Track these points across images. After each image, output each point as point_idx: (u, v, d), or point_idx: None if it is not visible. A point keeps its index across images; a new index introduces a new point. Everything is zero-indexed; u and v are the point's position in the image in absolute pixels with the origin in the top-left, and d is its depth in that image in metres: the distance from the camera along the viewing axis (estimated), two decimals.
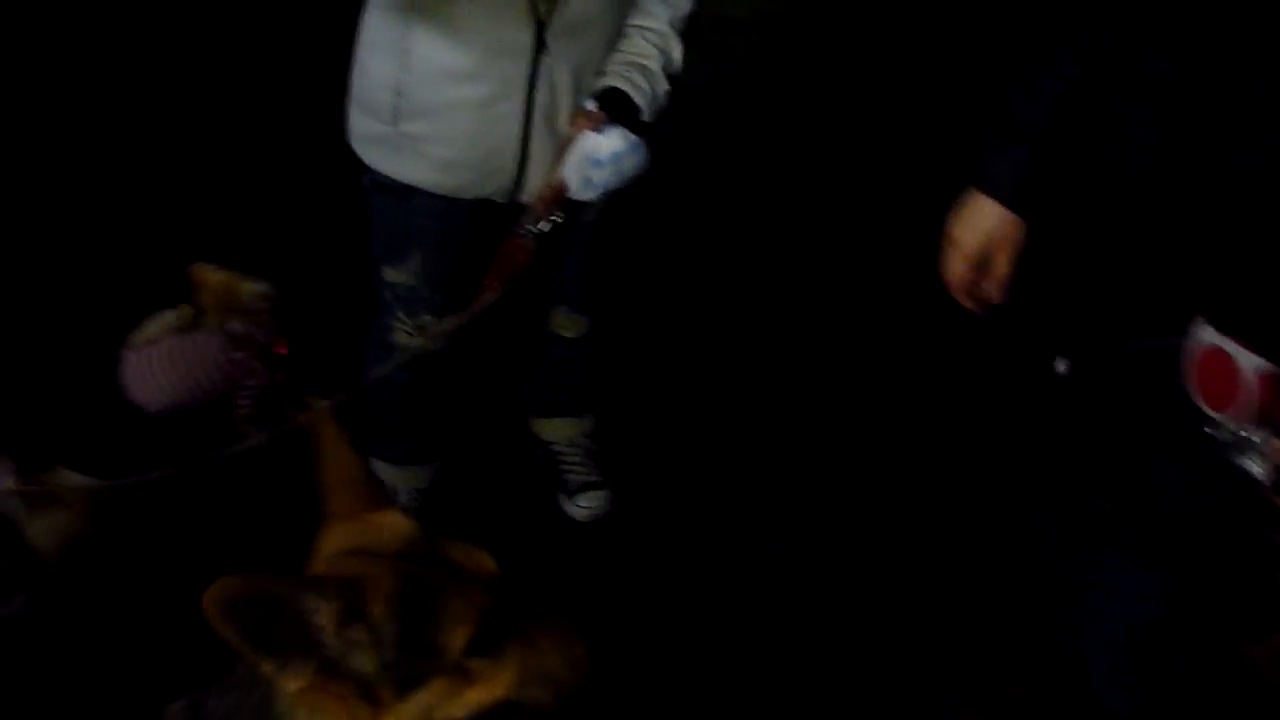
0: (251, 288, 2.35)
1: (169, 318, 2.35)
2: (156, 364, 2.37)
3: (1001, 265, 1.60)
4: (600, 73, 2.03)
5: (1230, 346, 1.34)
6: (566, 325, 2.45)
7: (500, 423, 2.75)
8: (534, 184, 2.04)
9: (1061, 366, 1.61)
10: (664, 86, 2.07)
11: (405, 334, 2.21)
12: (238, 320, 2.33)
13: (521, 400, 2.68)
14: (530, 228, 2.01)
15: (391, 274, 2.17)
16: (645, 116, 2.03)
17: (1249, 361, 1.32)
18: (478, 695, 1.12)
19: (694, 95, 4.31)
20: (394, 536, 1.16)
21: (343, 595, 1.09)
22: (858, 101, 4.16)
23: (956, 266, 1.62)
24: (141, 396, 2.41)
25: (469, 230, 2.13)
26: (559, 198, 2.01)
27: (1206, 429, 1.37)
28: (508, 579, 1.16)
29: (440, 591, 1.10)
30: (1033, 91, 1.54)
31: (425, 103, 1.95)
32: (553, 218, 2.01)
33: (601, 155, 1.96)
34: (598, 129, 1.97)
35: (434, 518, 2.45)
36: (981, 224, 1.57)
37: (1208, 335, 1.38)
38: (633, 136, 1.99)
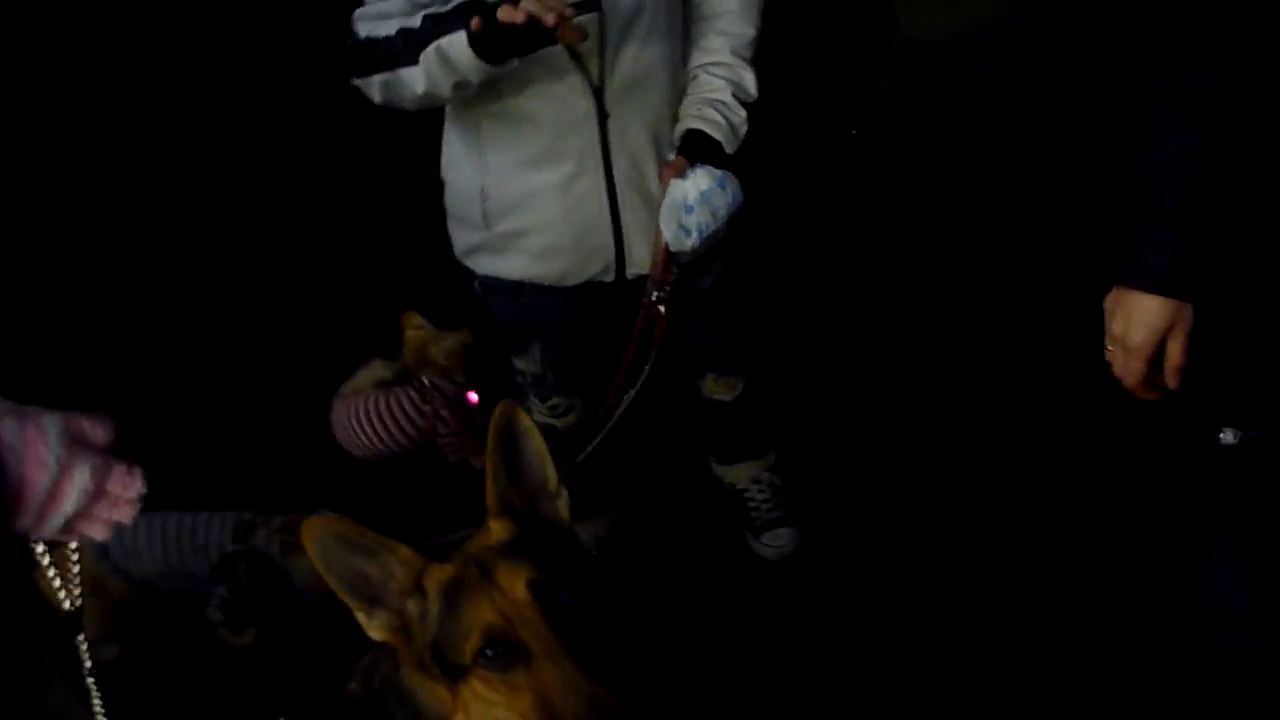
0: (446, 342, 2.45)
1: (376, 369, 2.49)
2: (360, 417, 2.52)
3: (1176, 354, 1.46)
4: (675, 120, 1.99)
5: None
6: (720, 389, 2.39)
7: (685, 464, 2.71)
8: (638, 256, 2.02)
9: (1230, 437, 1.49)
10: (741, 115, 2.00)
11: (541, 414, 2.24)
12: (433, 373, 2.45)
13: (702, 446, 2.64)
14: (656, 293, 2.00)
15: (519, 362, 2.22)
16: (728, 149, 1.98)
17: None
18: (500, 707, 1.18)
19: (888, 118, 4.32)
20: (486, 539, 1.24)
21: (414, 566, 1.20)
22: (1048, 123, 4.00)
23: (1132, 367, 1.49)
24: (347, 444, 2.57)
25: (581, 315, 2.13)
26: (668, 256, 1.98)
27: None
28: (541, 611, 1.17)
29: (469, 599, 1.18)
30: (1166, 169, 1.42)
31: (511, 198, 1.97)
32: (672, 278, 2.00)
33: (690, 199, 1.92)
34: (682, 175, 1.93)
35: (622, 560, 2.49)
36: (1148, 319, 1.45)
37: None
38: (718, 173, 1.94)
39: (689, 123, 1.99)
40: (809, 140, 4.09)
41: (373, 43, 1.83)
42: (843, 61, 4.64)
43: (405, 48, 1.77)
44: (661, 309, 2.01)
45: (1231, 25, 1.35)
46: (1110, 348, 1.52)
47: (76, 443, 0.97)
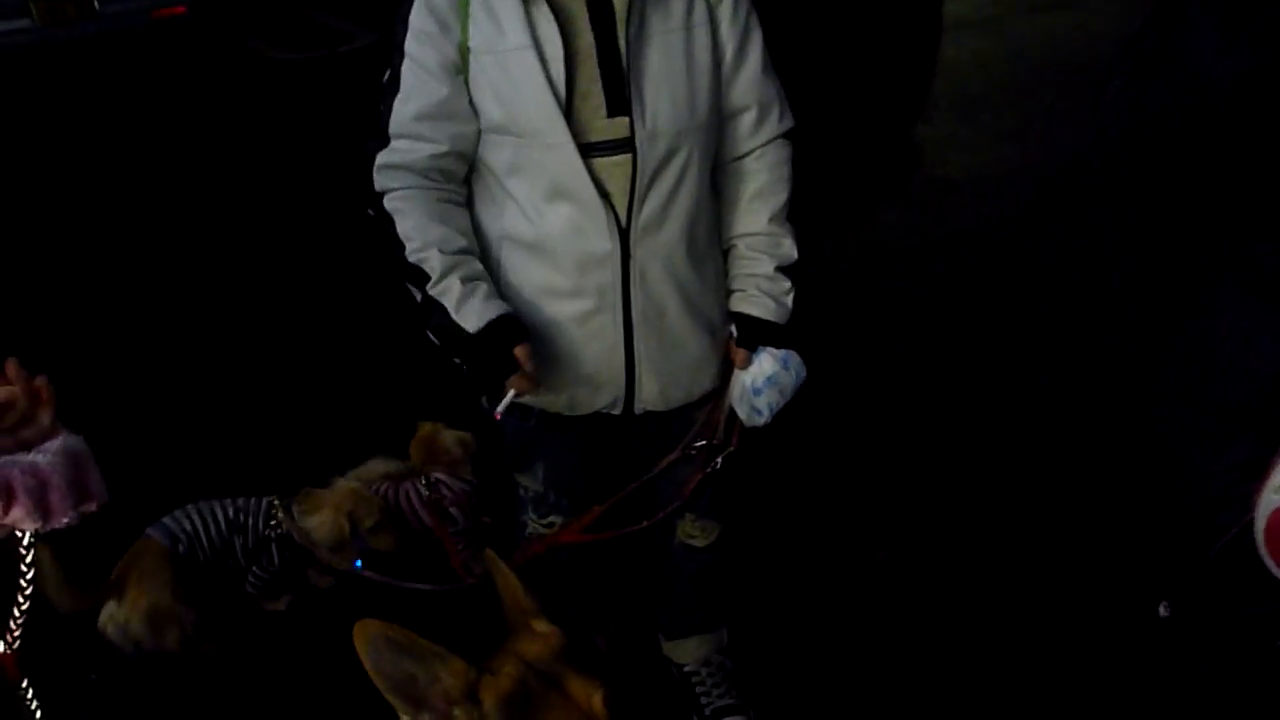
0: (453, 437, 2.45)
1: (377, 465, 2.47)
2: None
3: None
4: (697, 260, 1.97)
5: None
6: (695, 533, 2.31)
7: (633, 650, 2.58)
8: (648, 393, 2.01)
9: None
10: (785, 285, 2.01)
11: (538, 529, 2.25)
12: (442, 469, 2.43)
13: (653, 625, 2.55)
14: (720, 459, 2.08)
15: (521, 479, 2.23)
16: (781, 323, 2.01)
17: None
18: None
19: (909, 253, 4.38)
20: (541, 645, 1.24)
21: (466, 676, 1.18)
22: (1072, 261, 4.06)
23: None
24: None
25: (585, 444, 2.14)
26: (732, 428, 2.07)
27: None
28: None
29: (542, 714, 1.17)
30: None
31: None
32: (729, 448, 2.09)
33: (758, 383, 2.00)
34: (747, 362, 2.01)
35: None
36: None
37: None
38: (780, 353, 2.00)
39: (740, 306, 2.01)
40: (832, 279, 4.15)
41: (390, 224, 1.84)
42: (866, 196, 4.76)
43: (413, 276, 1.83)
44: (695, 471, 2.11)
45: None
46: None
47: None
